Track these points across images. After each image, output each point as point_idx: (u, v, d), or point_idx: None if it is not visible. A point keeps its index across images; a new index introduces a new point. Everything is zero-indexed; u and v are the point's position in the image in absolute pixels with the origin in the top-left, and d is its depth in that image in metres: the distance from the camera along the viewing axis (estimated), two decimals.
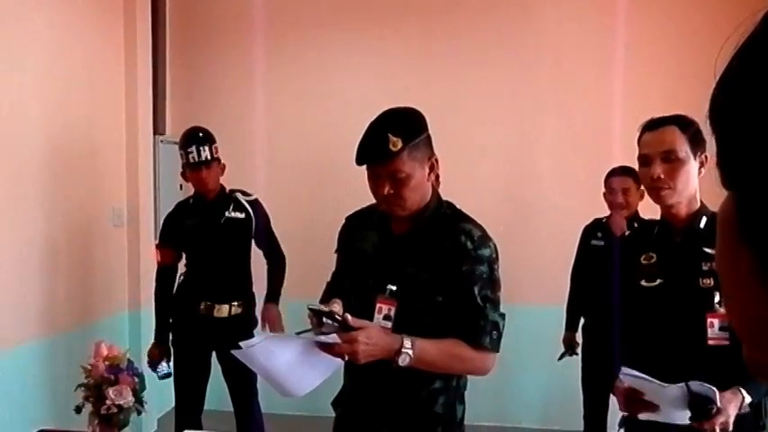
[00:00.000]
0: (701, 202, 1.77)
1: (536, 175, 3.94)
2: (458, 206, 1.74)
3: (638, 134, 1.81)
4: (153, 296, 3.67)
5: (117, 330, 3.58)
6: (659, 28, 3.74)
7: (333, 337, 1.43)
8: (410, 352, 1.49)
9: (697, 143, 1.73)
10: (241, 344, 1.46)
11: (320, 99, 4.12)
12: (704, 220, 1.75)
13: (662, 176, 1.71)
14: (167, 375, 3.18)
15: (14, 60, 2.85)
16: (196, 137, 3.10)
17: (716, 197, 0.42)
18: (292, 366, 1.47)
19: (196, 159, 3.06)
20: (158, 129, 3.93)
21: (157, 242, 3.32)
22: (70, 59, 3.25)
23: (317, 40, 4.07)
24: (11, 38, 2.82)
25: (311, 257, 3.55)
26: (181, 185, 3.96)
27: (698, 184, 1.75)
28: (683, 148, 1.71)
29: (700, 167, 1.74)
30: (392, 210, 1.64)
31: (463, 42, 3.95)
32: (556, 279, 3.65)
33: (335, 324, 1.48)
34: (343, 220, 1.87)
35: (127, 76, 3.65)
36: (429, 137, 1.65)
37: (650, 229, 1.88)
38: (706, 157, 1.75)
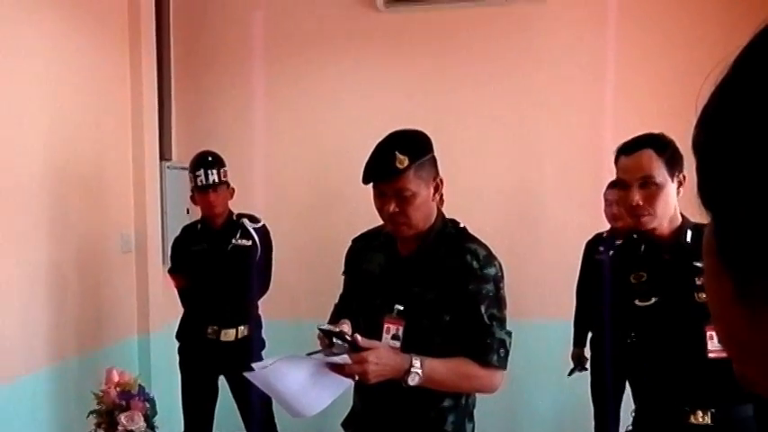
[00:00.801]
0: (682, 215, 1.77)
1: (539, 192, 3.94)
2: (462, 224, 1.76)
3: (613, 156, 1.81)
4: (162, 321, 3.79)
5: (126, 356, 3.59)
6: (651, 41, 3.78)
7: (343, 358, 1.45)
8: (419, 371, 1.50)
9: (674, 164, 1.73)
10: (254, 365, 1.49)
11: (322, 122, 4.15)
12: (689, 234, 1.75)
13: (641, 203, 1.71)
14: None
15: (20, 87, 2.87)
16: (205, 160, 3.14)
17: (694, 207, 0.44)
18: (303, 387, 1.48)
19: (204, 182, 3.10)
20: (164, 154, 3.96)
21: (169, 268, 3.37)
22: (76, 87, 3.28)
23: (317, 64, 4.10)
24: (16, 65, 2.85)
25: (317, 279, 3.60)
26: (188, 210, 4.02)
27: (677, 201, 1.75)
28: (660, 173, 1.72)
29: (678, 187, 1.74)
30: (397, 229, 1.66)
31: (463, 63, 3.98)
32: (562, 294, 3.65)
33: (345, 344, 1.49)
34: (350, 243, 1.89)
35: (133, 103, 3.68)
36: (435, 158, 1.68)
37: (636, 248, 1.87)
38: (684, 176, 1.75)
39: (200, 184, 3.11)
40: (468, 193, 3.62)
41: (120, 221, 3.64)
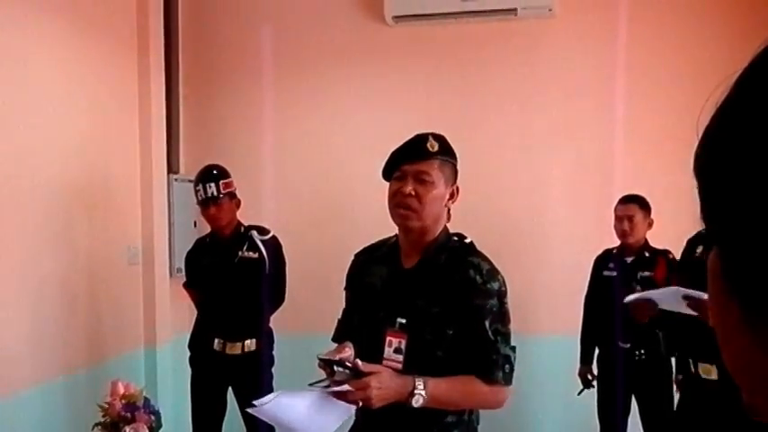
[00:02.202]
0: None
1: (547, 206, 3.95)
2: (469, 239, 1.76)
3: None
4: (169, 333, 3.80)
5: (132, 368, 3.60)
6: (661, 54, 3.78)
7: (345, 387, 1.46)
8: (423, 392, 1.50)
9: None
10: (255, 402, 1.49)
11: (330, 135, 4.15)
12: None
13: None
14: None
15: (26, 99, 2.89)
16: (206, 174, 3.17)
17: None
18: (308, 416, 1.49)
19: (203, 196, 3.14)
20: (172, 167, 4.00)
21: (184, 282, 3.42)
22: (83, 99, 3.29)
23: (325, 77, 4.13)
24: (23, 76, 2.87)
25: (329, 292, 3.58)
26: (195, 222, 4.03)
27: None
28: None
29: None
30: (406, 216, 1.65)
31: (472, 77, 3.98)
32: (569, 309, 3.64)
33: (347, 371, 1.50)
34: (352, 257, 1.90)
35: (141, 115, 3.70)
36: (456, 167, 1.72)
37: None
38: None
39: (200, 198, 3.16)
40: (474, 208, 3.45)
41: (127, 234, 3.65)
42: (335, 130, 4.15)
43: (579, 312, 3.57)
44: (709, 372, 2.53)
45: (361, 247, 1.89)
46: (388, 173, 1.69)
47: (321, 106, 4.16)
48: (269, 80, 4.17)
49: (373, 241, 1.88)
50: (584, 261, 3.55)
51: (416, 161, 1.63)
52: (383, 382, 1.47)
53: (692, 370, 2.62)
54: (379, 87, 4.11)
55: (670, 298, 2.52)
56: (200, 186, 3.14)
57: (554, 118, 3.92)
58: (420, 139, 1.64)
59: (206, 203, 3.14)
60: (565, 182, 3.94)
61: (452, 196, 1.69)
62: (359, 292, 1.81)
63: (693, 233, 2.94)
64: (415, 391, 1.50)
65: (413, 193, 1.62)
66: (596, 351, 3.54)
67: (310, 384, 1.54)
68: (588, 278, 3.54)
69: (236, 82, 4.23)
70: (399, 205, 1.65)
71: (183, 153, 4.16)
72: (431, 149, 1.62)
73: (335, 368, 1.51)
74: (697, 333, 2.46)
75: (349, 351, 1.64)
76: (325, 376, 1.54)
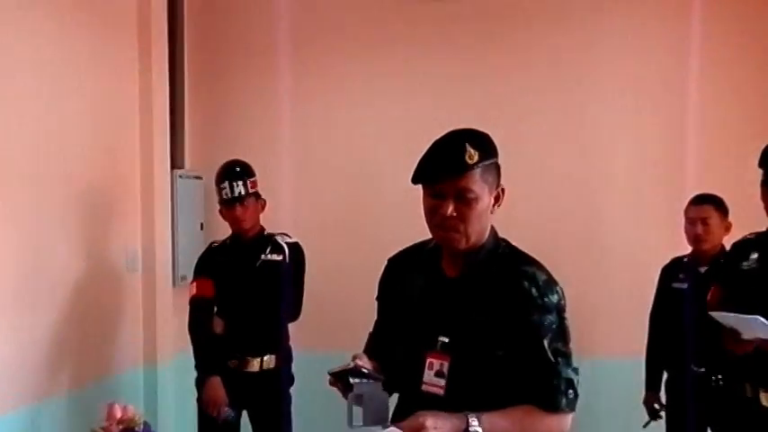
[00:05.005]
0: None
1: (607, 208, 3.93)
2: (518, 246, 1.75)
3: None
4: (172, 349, 3.80)
5: (131, 388, 3.60)
6: (736, 48, 3.76)
7: (392, 431, 1.45)
8: (478, 430, 1.51)
9: None
10: None
11: (355, 126, 4.16)
12: None
13: None
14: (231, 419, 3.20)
15: (19, 88, 2.90)
16: (230, 171, 3.23)
17: None
18: None
19: (229, 195, 3.19)
20: (176, 162, 3.98)
21: (193, 296, 3.36)
22: (79, 87, 3.29)
23: (349, 62, 4.13)
24: (17, 65, 2.89)
25: (347, 306, 3.57)
26: (201, 225, 4.05)
27: None
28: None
29: None
30: (450, 237, 1.63)
31: (519, 61, 3.95)
32: (633, 328, 3.61)
33: (366, 380, 1.51)
34: (385, 263, 1.88)
35: (141, 104, 3.70)
36: (499, 165, 1.67)
37: None
38: None
39: (225, 197, 3.20)
40: (518, 210, 3.40)
41: (125, 237, 3.65)
42: (362, 122, 4.14)
43: (644, 331, 3.54)
44: None
45: (394, 252, 1.89)
46: (419, 182, 1.66)
47: (346, 94, 4.16)
48: (286, 64, 4.18)
49: (408, 245, 1.87)
50: (650, 271, 3.52)
51: (454, 177, 1.59)
52: (438, 422, 1.48)
53: (748, 394, 2.66)
54: (412, 73, 4.07)
55: (754, 326, 2.47)
56: (226, 184, 3.19)
57: (615, 106, 3.90)
58: (455, 148, 1.59)
59: (231, 203, 3.20)
60: (628, 179, 3.92)
61: (498, 200, 1.67)
62: (394, 304, 1.81)
63: (740, 238, 2.93)
64: (470, 429, 1.51)
65: (454, 213, 1.60)
66: (665, 376, 3.52)
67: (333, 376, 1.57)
68: (654, 291, 3.52)
69: (249, 66, 4.22)
70: (441, 227, 1.64)
71: (188, 146, 4.15)
72: (470, 161, 1.57)
73: (351, 380, 1.52)
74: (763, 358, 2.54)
75: (364, 360, 1.64)
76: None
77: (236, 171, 3.23)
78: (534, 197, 3.80)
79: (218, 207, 3.35)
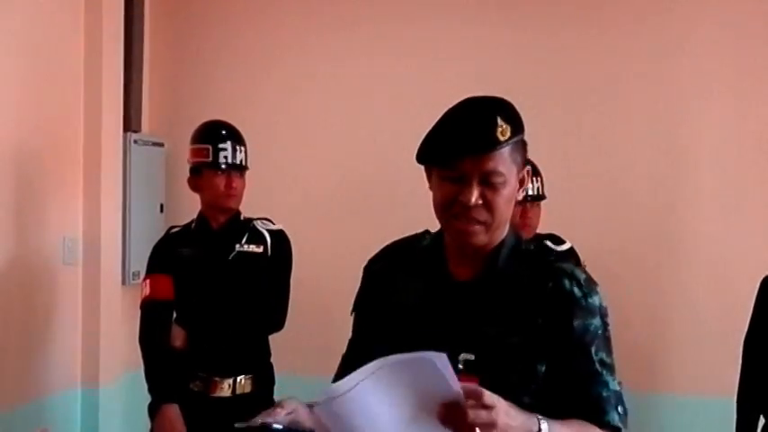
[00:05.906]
0: None
1: (690, 208, 3.80)
2: (569, 243, 1.84)
3: None
4: (119, 367, 3.78)
5: (66, 412, 3.55)
6: None
7: (459, 390, 1.38)
8: None
9: None
10: (326, 390, 1.38)
11: (355, 91, 4.06)
12: None
13: None
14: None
15: None
16: (232, 132, 3.15)
17: None
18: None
19: (230, 161, 3.07)
20: (130, 124, 3.87)
21: (145, 297, 3.19)
22: (5, 30, 3.17)
23: (350, 17, 4.07)
24: None
25: (342, 319, 3.42)
26: (162, 206, 3.94)
27: None
28: None
29: None
30: (470, 232, 1.61)
31: (571, 28, 3.88)
32: (720, 358, 3.52)
33: None
34: (364, 266, 1.86)
35: (87, 53, 3.62)
36: (525, 141, 1.68)
37: None
38: None
39: (223, 160, 3.05)
40: (577, 208, 3.63)
41: (62, 220, 3.56)
42: (363, 89, 4.08)
43: (735, 363, 3.27)
44: None
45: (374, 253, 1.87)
46: (431, 161, 1.63)
47: (343, 48, 4.11)
48: (267, 8, 4.14)
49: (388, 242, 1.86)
50: (745, 287, 3.30)
51: (483, 156, 1.57)
52: (511, 413, 1.44)
53: None
54: (425, 36, 4.01)
55: None
56: (228, 145, 3.08)
57: (701, 84, 3.82)
58: (484, 120, 1.57)
59: (228, 170, 3.06)
60: (716, 173, 3.83)
61: (522, 183, 1.67)
62: (381, 316, 1.76)
63: None
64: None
65: (480, 201, 1.58)
66: (761, 422, 3.24)
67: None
68: (751, 312, 3.25)
69: (223, 10, 4.18)
70: (460, 217, 1.61)
71: (146, 106, 4.10)
72: (502, 138, 1.56)
73: None
74: None
75: (290, 405, 1.63)
76: None
77: (236, 134, 3.13)
78: (595, 191, 3.81)
79: (185, 180, 3.14)
